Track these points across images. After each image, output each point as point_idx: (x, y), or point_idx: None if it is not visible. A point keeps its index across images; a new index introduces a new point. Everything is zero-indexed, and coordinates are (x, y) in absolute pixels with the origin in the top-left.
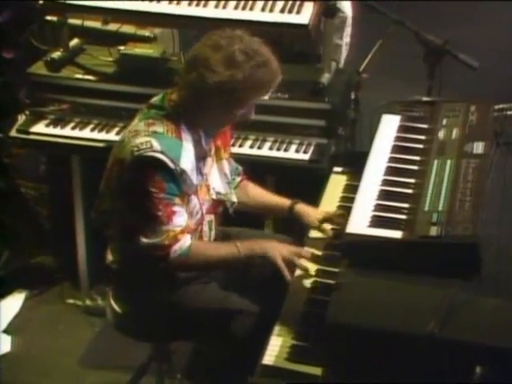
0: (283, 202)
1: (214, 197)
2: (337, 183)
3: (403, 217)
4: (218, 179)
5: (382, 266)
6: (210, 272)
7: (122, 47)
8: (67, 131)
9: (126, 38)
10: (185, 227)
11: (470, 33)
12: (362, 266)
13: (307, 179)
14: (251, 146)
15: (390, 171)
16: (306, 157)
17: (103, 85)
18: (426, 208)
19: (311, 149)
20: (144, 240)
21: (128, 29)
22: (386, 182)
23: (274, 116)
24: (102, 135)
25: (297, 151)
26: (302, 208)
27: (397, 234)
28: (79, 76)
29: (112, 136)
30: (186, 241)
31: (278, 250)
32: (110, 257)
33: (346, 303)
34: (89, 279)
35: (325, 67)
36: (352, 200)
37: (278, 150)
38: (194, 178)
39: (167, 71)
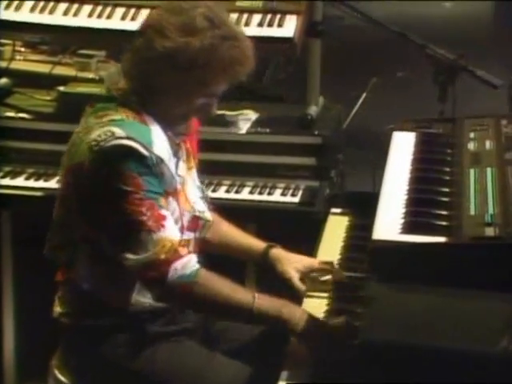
0: (257, 244)
1: (196, 213)
2: (337, 224)
3: (443, 223)
4: (193, 191)
5: (423, 276)
6: (211, 317)
7: (61, 88)
8: None
9: (65, 80)
10: (181, 240)
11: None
12: (398, 278)
13: (297, 226)
14: (227, 191)
15: (416, 181)
16: (296, 199)
17: (40, 124)
18: (473, 212)
19: (300, 193)
20: (130, 256)
21: (66, 71)
22: (413, 191)
23: (253, 155)
24: (40, 183)
25: (283, 195)
26: (280, 254)
27: (440, 239)
28: (10, 114)
29: (53, 184)
30: (191, 260)
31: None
32: (58, 309)
33: (383, 319)
34: (17, 376)
35: (311, 99)
36: (360, 238)
37: (261, 194)
38: (173, 170)
39: None
